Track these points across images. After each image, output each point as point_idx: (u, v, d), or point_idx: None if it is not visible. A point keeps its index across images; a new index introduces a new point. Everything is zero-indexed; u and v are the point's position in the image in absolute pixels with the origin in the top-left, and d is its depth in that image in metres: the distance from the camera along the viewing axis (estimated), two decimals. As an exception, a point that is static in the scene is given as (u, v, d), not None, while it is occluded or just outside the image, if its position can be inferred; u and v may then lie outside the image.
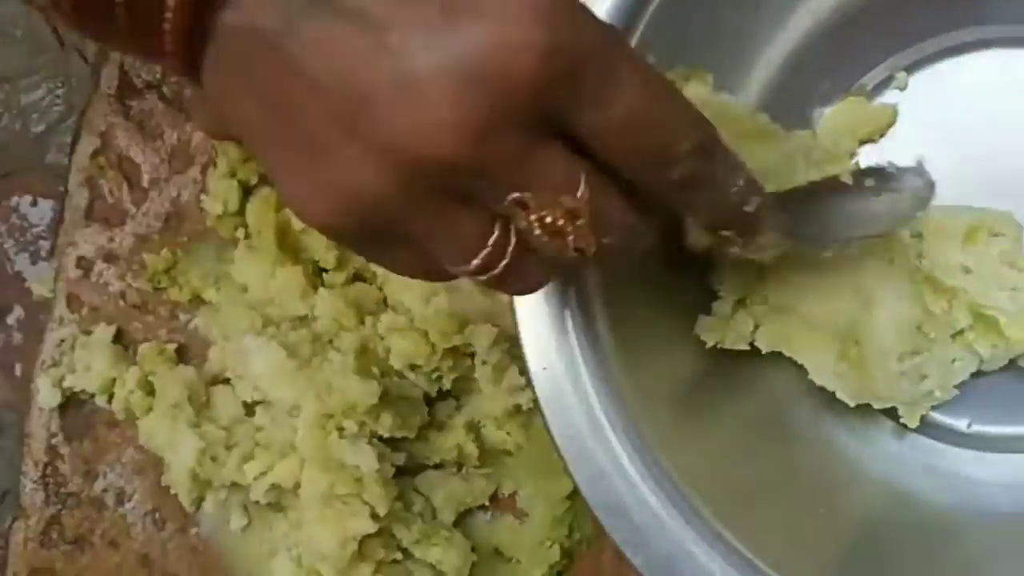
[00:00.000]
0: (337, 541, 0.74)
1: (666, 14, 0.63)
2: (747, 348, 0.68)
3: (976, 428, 0.71)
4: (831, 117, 0.73)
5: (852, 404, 0.68)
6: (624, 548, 0.59)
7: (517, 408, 0.78)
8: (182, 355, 0.81)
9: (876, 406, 0.68)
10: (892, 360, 0.66)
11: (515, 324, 0.60)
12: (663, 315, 0.67)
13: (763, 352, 0.68)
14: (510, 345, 0.76)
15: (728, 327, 0.67)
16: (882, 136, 0.73)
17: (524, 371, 0.61)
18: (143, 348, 0.80)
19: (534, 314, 0.60)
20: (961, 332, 0.68)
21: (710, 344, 0.67)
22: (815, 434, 0.70)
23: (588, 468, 0.60)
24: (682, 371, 0.67)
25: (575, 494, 0.78)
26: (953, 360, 0.69)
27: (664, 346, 0.67)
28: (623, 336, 0.63)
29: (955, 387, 0.69)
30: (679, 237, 0.64)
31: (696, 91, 0.63)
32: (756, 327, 0.68)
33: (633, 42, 0.62)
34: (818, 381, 0.68)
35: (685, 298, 0.68)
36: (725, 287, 0.68)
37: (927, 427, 0.70)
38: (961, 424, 0.71)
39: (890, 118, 0.73)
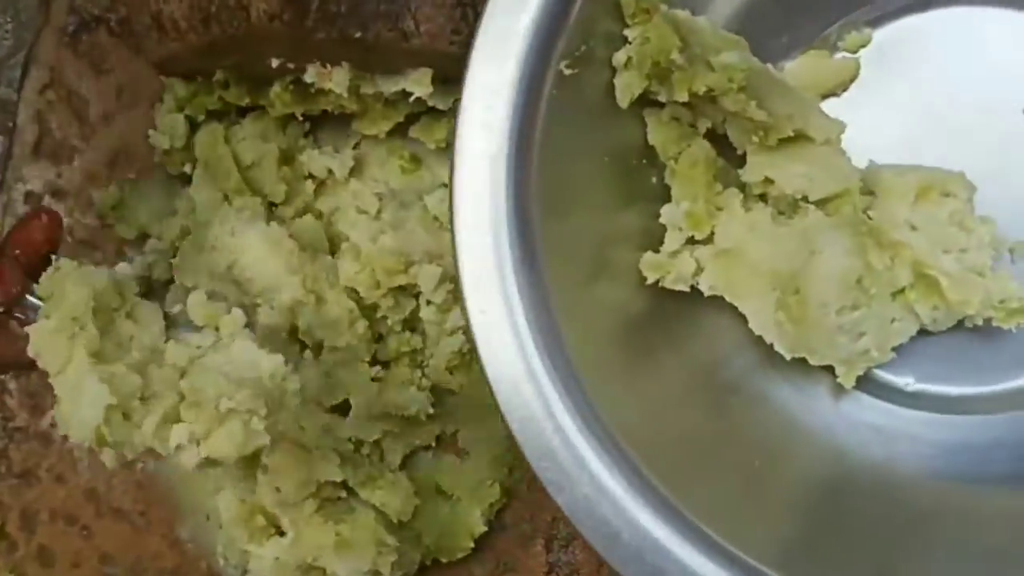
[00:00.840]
0: (299, 482, 0.75)
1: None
2: (688, 291, 0.68)
3: (918, 387, 0.71)
4: (792, 72, 0.72)
5: (788, 357, 0.68)
6: (549, 488, 0.60)
7: (460, 349, 0.78)
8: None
9: (812, 361, 0.68)
10: (831, 312, 0.67)
11: (455, 264, 0.61)
12: (609, 250, 0.67)
13: (705, 295, 0.68)
14: (454, 285, 0.75)
15: (672, 265, 0.67)
16: (844, 91, 0.73)
17: (463, 311, 0.61)
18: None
19: (475, 252, 0.61)
20: (902, 291, 0.68)
21: (651, 280, 0.67)
22: (753, 387, 0.70)
23: (520, 411, 0.61)
24: (623, 311, 0.67)
25: None
26: (892, 320, 0.68)
27: (607, 284, 0.67)
28: (565, 271, 0.63)
29: (893, 350, 0.69)
30: (631, 172, 0.67)
31: (670, 12, 0.64)
32: (700, 270, 0.68)
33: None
34: (756, 330, 0.68)
35: (633, 235, 0.68)
36: (675, 219, 0.68)
37: (869, 384, 0.71)
38: (903, 382, 0.71)
39: (852, 73, 0.72)
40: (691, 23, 0.65)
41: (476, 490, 0.80)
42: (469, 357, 0.79)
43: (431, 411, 0.78)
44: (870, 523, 0.65)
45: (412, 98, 0.73)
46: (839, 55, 0.73)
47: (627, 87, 0.66)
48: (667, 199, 0.69)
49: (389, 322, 0.78)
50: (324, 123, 0.80)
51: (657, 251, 0.68)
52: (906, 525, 0.66)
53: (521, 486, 0.81)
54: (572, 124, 0.64)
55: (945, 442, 0.70)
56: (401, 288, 0.76)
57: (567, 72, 0.63)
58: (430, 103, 0.74)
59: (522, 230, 0.61)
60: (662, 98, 0.66)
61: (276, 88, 0.75)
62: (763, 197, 0.70)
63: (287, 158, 0.79)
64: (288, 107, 0.76)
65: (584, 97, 0.65)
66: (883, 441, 0.70)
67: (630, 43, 0.65)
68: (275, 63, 0.72)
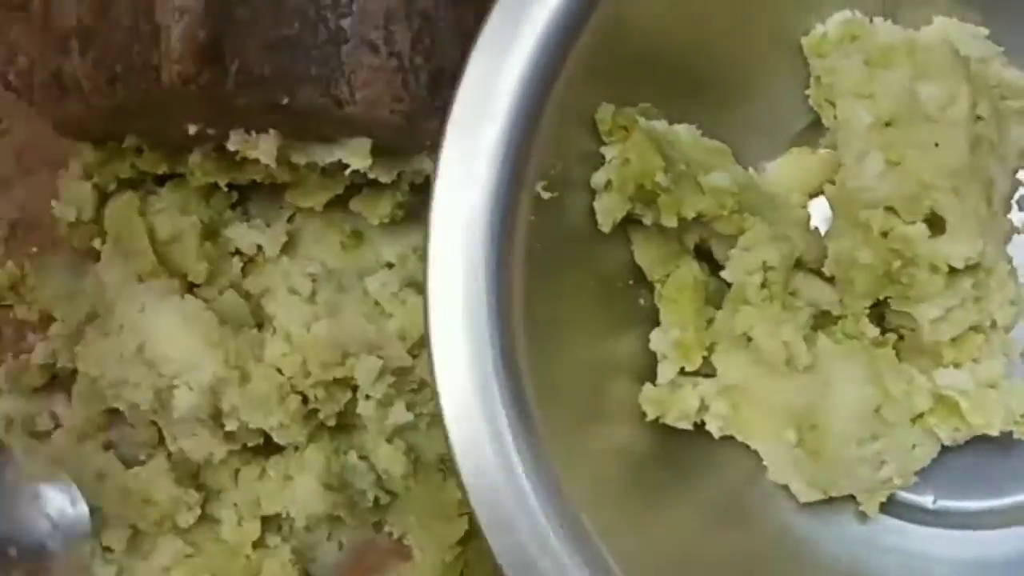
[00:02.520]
0: None
1: (595, 56, 0.60)
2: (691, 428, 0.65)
3: (940, 504, 0.68)
4: (776, 171, 0.69)
5: (803, 500, 0.65)
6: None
7: (406, 446, 0.72)
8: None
9: (833, 493, 0.65)
10: (851, 445, 0.63)
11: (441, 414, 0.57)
12: (604, 384, 0.64)
13: (715, 437, 0.65)
14: (396, 379, 0.70)
15: (672, 401, 0.64)
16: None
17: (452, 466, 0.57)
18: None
19: (459, 400, 0.57)
20: (921, 415, 0.65)
21: (651, 417, 0.64)
22: (772, 519, 0.67)
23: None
24: (624, 449, 0.64)
25: (467, 539, 0.73)
26: (913, 446, 0.65)
27: (605, 421, 0.63)
28: (558, 412, 0.59)
29: (915, 473, 0.66)
30: (619, 294, 0.64)
31: (647, 125, 0.61)
32: (704, 406, 0.65)
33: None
34: (771, 470, 0.65)
35: (628, 363, 0.65)
36: (665, 348, 0.65)
37: (891, 505, 0.68)
38: (926, 501, 0.69)
39: (837, 167, 0.66)
40: (670, 135, 0.63)
41: (425, 596, 0.73)
42: (415, 455, 0.73)
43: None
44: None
45: (349, 170, 0.67)
46: (822, 150, 0.68)
47: (609, 211, 0.62)
48: (659, 321, 0.66)
49: (321, 415, 0.70)
50: (254, 194, 0.74)
51: (655, 381, 0.65)
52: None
53: (472, 596, 0.74)
54: (554, 253, 0.61)
55: (964, 560, 0.67)
56: (335, 380, 0.69)
57: (546, 196, 0.59)
58: (371, 175, 0.68)
59: (509, 376, 0.58)
60: (646, 221, 0.63)
61: (195, 156, 0.69)
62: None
63: (210, 233, 0.72)
64: (210, 176, 0.69)
65: (565, 221, 0.61)
66: (907, 564, 0.67)
67: (608, 163, 0.62)
68: (192, 129, 0.65)
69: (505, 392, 0.57)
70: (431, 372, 0.57)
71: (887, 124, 0.61)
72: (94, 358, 0.68)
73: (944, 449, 0.66)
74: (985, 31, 0.65)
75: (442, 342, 0.57)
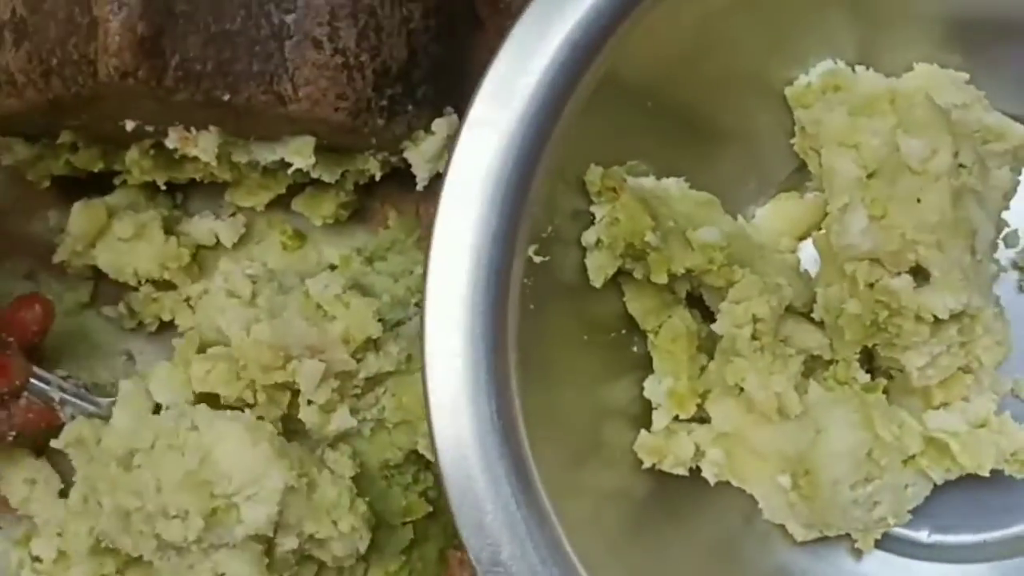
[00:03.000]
0: None
1: (585, 116, 0.60)
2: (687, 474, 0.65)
3: (936, 538, 0.69)
4: (764, 217, 0.70)
5: (802, 536, 0.66)
6: None
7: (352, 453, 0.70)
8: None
9: (828, 533, 0.66)
10: (844, 489, 0.64)
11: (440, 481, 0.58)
12: (600, 432, 0.64)
13: (711, 484, 0.65)
14: (341, 383, 0.68)
15: (668, 448, 0.64)
16: (820, 231, 0.68)
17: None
18: None
19: (455, 442, 0.57)
20: (913, 457, 0.65)
21: (647, 465, 0.64)
22: (770, 559, 0.67)
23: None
24: (622, 495, 0.64)
25: (412, 547, 0.72)
26: (906, 486, 0.65)
27: (601, 467, 0.63)
28: (554, 459, 0.59)
29: (909, 511, 0.67)
30: (612, 344, 0.64)
31: (636, 183, 0.62)
32: (700, 453, 0.65)
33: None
34: (767, 513, 0.66)
35: (623, 410, 0.65)
36: (658, 396, 0.65)
37: (886, 540, 0.68)
38: (921, 535, 0.69)
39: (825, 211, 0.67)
40: (658, 190, 0.63)
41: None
42: (359, 461, 0.70)
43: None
44: None
45: (292, 169, 0.66)
46: (809, 194, 0.69)
47: (600, 268, 0.63)
48: (652, 368, 0.66)
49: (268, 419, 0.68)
50: (193, 192, 0.72)
51: (649, 426, 0.65)
52: None
53: (419, 607, 0.73)
54: (548, 311, 0.61)
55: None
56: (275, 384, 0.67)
57: (537, 260, 0.60)
58: (314, 175, 0.67)
59: (505, 426, 0.58)
60: (637, 275, 0.63)
61: (133, 153, 0.67)
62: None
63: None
64: (147, 174, 0.68)
65: (557, 279, 0.62)
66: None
67: (599, 222, 0.62)
68: (130, 125, 0.64)
69: (502, 444, 0.57)
70: (429, 428, 0.57)
71: (870, 176, 0.60)
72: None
73: (938, 484, 0.66)
74: (966, 75, 0.65)
75: (440, 402, 0.57)
